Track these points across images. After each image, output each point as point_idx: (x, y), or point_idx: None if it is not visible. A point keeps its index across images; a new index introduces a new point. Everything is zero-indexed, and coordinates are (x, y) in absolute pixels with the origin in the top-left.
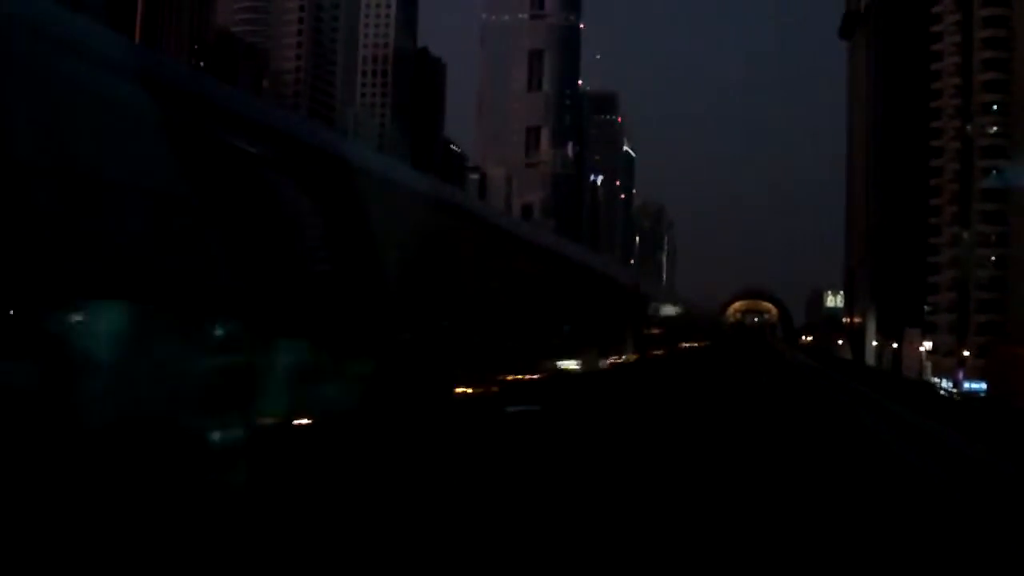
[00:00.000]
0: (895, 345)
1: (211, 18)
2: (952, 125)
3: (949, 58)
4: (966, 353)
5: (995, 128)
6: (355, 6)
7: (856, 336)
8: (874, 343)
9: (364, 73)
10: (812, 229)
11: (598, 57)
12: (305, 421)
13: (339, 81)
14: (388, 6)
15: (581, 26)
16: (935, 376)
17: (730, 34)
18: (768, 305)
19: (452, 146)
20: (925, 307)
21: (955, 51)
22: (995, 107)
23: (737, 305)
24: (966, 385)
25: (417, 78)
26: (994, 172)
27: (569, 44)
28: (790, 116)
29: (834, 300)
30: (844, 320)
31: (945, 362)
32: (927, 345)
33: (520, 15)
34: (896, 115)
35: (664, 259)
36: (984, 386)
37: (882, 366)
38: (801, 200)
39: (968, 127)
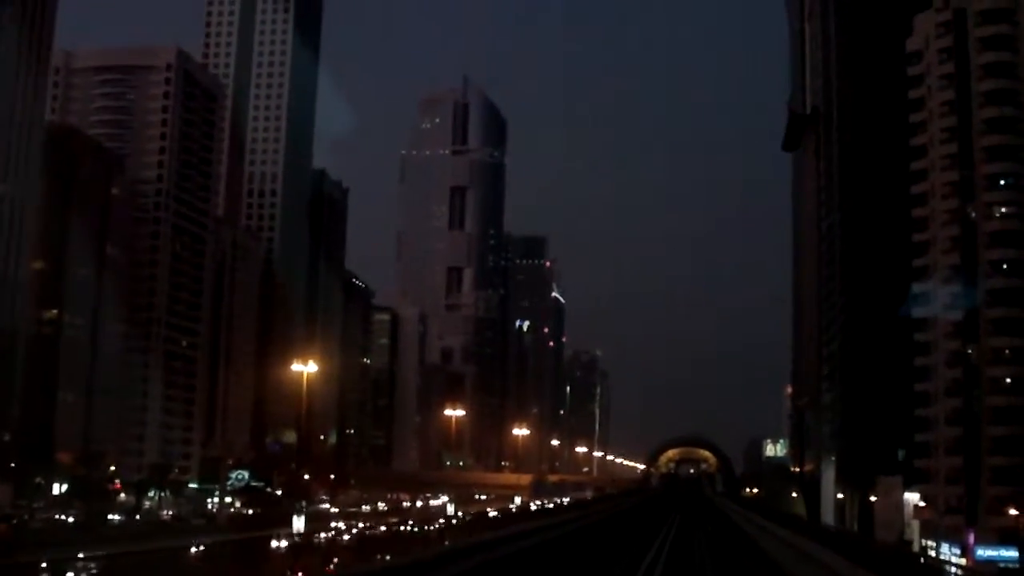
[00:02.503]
0: (872, 498)
1: (40, 110)
2: (944, 208)
3: (939, 121)
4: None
5: (1004, 209)
6: (241, 118)
7: (810, 488)
8: (839, 495)
9: (251, 192)
10: (749, 375)
11: (524, 202)
12: None
13: (221, 198)
14: (278, 119)
15: (506, 163)
16: (926, 539)
17: (664, 165)
18: (706, 453)
19: (355, 280)
20: (899, 451)
21: (947, 111)
22: (1003, 181)
23: (671, 454)
24: (980, 552)
25: (315, 202)
26: (1004, 266)
27: (493, 181)
28: (728, 252)
29: (774, 449)
30: (793, 469)
31: (947, 521)
32: (911, 497)
33: (441, 150)
34: (858, 214)
35: (597, 410)
36: (1015, 554)
37: (846, 525)
38: (738, 345)
39: (969, 209)
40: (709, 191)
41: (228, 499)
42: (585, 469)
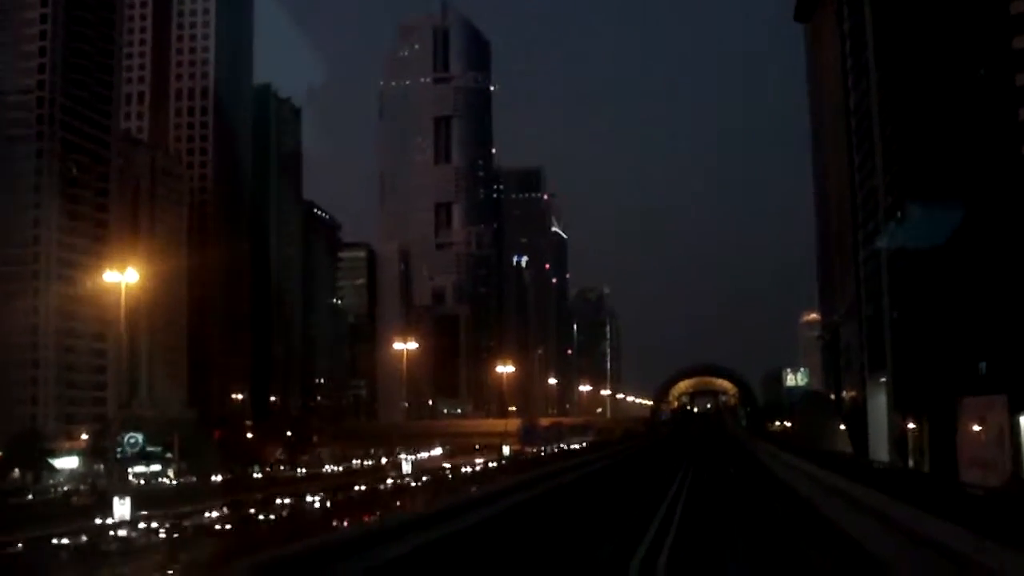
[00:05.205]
0: (975, 428)
1: None
2: None
3: None
4: None
5: None
6: (163, 23)
7: (854, 419)
8: (911, 425)
9: (179, 111)
10: (760, 305)
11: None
12: None
13: (146, 120)
14: (207, 25)
15: (492, 88)
16: None
17: (662, 71)
18: (724, 383)
19: (318, 211)
20: (981, 364)
21: None
22: None
23: (683, 386)
24: None
25: (259, 122)
26: None
27: (480, 110)
28: (733, 163)
29: (795, 379)
30: (831, 396)
31: None
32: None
33: (422, 79)
34: (903, 78)
35: (608, 348)
36: None
37: (910, 462)
38: (748, 270)
39: None
40: (710, 96)
41: (156, 467)
42: (599, 410)
